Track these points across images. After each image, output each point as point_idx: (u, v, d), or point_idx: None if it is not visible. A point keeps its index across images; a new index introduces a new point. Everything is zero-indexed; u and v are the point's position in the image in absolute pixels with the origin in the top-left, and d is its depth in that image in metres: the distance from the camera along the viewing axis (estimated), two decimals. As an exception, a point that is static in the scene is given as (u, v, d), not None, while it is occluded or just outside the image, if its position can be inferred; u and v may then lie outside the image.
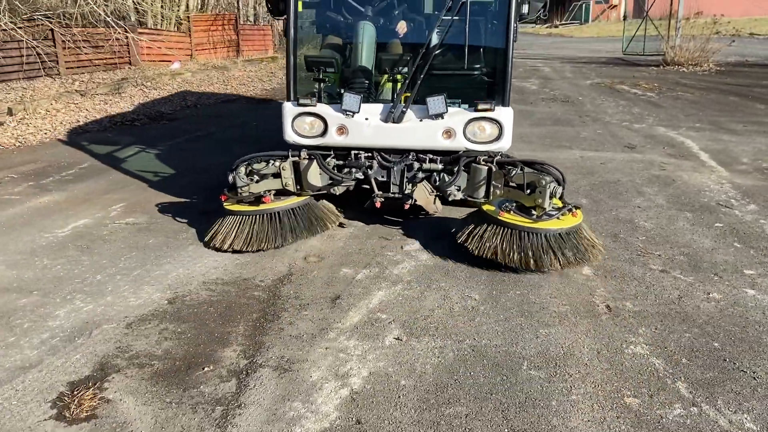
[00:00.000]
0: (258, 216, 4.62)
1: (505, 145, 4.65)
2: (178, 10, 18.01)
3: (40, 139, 8.79)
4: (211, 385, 2.98)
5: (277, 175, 4.77)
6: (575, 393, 2.90)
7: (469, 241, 4.35)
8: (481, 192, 4.70)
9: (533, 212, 4.25)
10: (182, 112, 11.19)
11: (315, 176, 4.81)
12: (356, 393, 2.91)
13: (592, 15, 50.04)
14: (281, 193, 4.78)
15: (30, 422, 2.71)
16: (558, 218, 4.21)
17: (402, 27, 5.13)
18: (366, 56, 4.95)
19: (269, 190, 4.72)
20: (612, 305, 3.76)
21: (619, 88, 13.82)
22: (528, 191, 4.33)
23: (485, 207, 4.49)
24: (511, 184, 4.53)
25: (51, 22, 12.35)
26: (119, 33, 13.64)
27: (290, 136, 4.79)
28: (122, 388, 2.96)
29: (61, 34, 12.61)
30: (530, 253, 4.10)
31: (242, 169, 4.65)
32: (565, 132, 9.10)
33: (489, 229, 4.29)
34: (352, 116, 4.62)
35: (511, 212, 4.26)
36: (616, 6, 48.49)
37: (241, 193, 4.65)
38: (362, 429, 2.66)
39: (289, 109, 4.75)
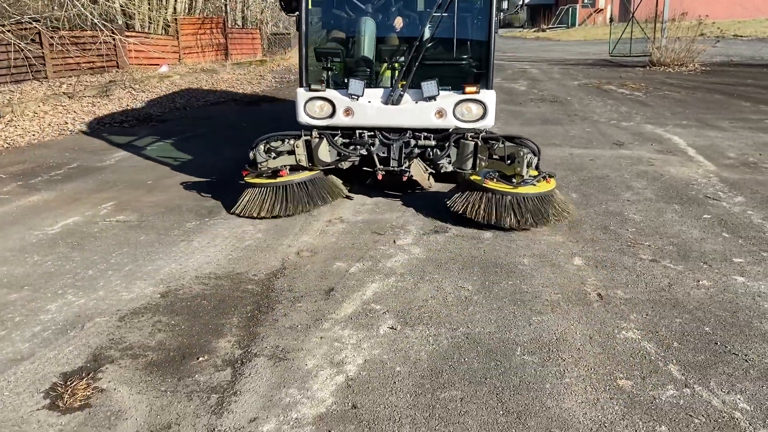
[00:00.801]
0: (275, 188, 5.22)
1: (489, 123, 5.31)
2: (166, 13, 17.97)
3: (28, 140, 8.73)
4: (206, 374, 2.98)
5: (291, 152, 5.42)
6: (568, 376, 2.92)
7: (459, 205, 4.95)
8: (469, 164, 5.39)
9: (513, 180, 4.87)
10: (171, 114, 11.15)
11: (325, 153, 5.47)
12: (352, 379, 2.92)
13: (579, 19, 50.46)
14: (295, 168, 5.41)
15: (23, 412, 2.69)
16: (534, 184, 4.84)
17: (399, 22, 5.74)
18: (368, 48, 5.56)
19: (285, 165, 5.33)
20: (603, 293, 3.79)
21: (606, 88, 13.93)
22: (508, 162, 5.03)
23: (473, 177, 5.06)
24: (494, 156, 5.25)
25: (38, 26, 12.28)
26: (106, 36, 13.58)
27: (303, 117, 5.41)
28: (116, 378, 2.94)
29: (49, 37, 12.54)
30: (512, 214, 4.75)
31: (261, 147, 5.34)
32: (554, 131, 9.17)
33: (476, 195, 4.89)
34: (357, 99, 5.26)
35: (495, 180, 4.87)
36: (602, 10, 48.93)
37: (260, 168, 5.29)
38: (358, 413, 2.67)
39: (302, 94, 5.38)
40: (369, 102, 5.28)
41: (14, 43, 11.53)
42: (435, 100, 5.21)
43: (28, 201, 5.86)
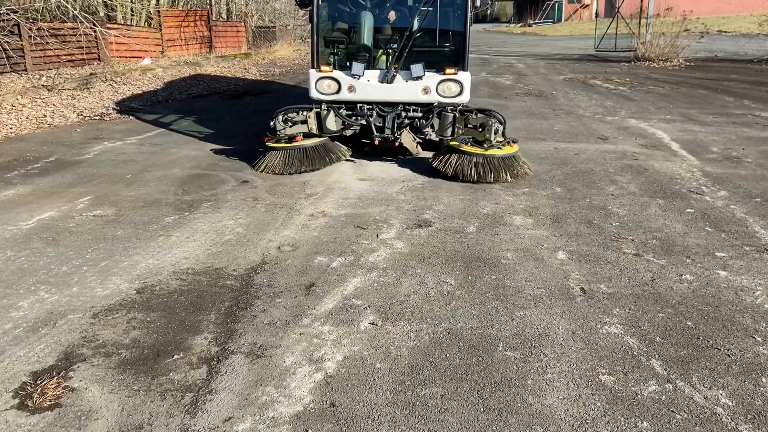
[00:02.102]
0: (292, 150, 6.36)
1: (464, 98, 6.41)
2: (149, 5, 17.72)
3: (5, 134, 8.54)
4: (180, 373, 2.90)
5: (304, 122, 6.54)
6: (551, 372, 2.88)
7: (440, 164, 6.11)
8: (449, 132, 6.50)
9: (484, 145, 5.99)
10: (153, 108, 10.99)
11: (332, 122, 6.61)
12: (330, 377, 2.86)
13: (565, 14, 50.61)
14: (308, 135, 6.50)
15: (-10, 413, 2.61)
16: (500, 148, 6.02)
17: (392, 15, 6.98)
18: (367, 37, 6.73)
19: (299, 132, 6.47)
20: (586, 288, 3.76)
21: (591, 83, 13.95)
22: (480, 130, 6.17)
23: (452, 143, 6.20)
24: (468, 125, 6.37)
25: (17, 17, 12.04)
26: (87, 28, 13.35)
27: (314, 93, 6.55)
28: (88, 377, 2.86)
29: (28, 28, 12.31)
30: (483, 172, 5.91)
31: (280, 117, 6.48)
32: (539, 125, 9.15)
33: (454, 156, 6.04)
34: (358, 79, 6.39)
35: (469, 144, 6.03)
36: (588, 5, 49.08)
37: (279, 134, 6.48)
38: (336, 412, 2.61)
39: (314, 74, 6.54)
40: (368, 81, 6.41)
41: (-9, 35, 11.30)
42: (422, 79, 6.31)
43: (3, 195, 5.72)
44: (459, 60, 6.48)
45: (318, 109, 6.56)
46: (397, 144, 6.51)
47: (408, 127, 6.58)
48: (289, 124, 6.51)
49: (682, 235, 4.61)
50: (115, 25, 15.81)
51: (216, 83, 14.25)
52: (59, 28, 13.52)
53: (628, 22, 21.58)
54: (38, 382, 2.81)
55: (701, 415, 2.56)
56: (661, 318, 3.38)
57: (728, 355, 3.02)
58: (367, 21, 6.73)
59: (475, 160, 5.93)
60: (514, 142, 6.15)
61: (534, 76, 15.76)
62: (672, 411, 2.59)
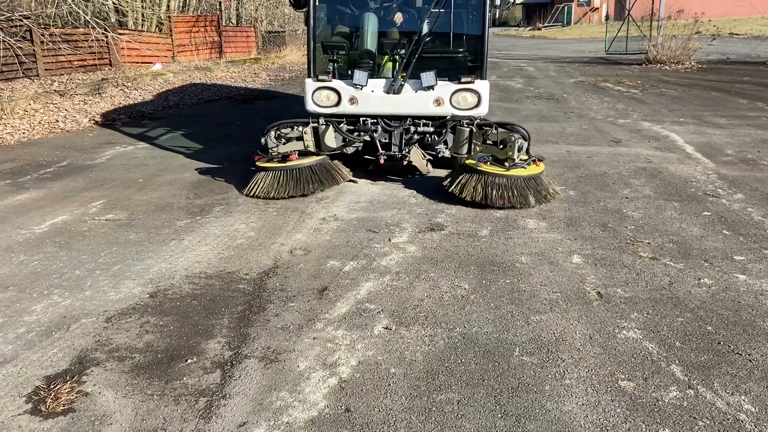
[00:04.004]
0: (285, 171, 5.55)
1: (483, 111, 5.65)
2: (159, 11, 17.83)
3: (18, 138, 8.60)
4: (194, 377, 2.88)
5: (300, 138, 5.78)
6: (569, 377, 2.84)
7: (456, 187, 5.32)
8: (464, 149, 5.72)
9: (505, 163, 5.19)
10: (164, 112, 11.03)
11: (331, 139, 5.83)
12: (345, 382, 2.83)
13: (574, 17, 50.45)
14: (303, 153, 5.72)
15: (4, 417, 2.59)
16: (524, 167, 5.22)
17: (399, 17, 6.17)
18: (371, 41, 5.98)
19: (294, 150, 5.66)
20: (603, 292, 3.70)
21: (603, 86, 13.87)
22: (501, 147, 5.36)
23: (468, 161, 5.42)
24: (487, 141, 5.53)
25: (29, 23, 12.13)
26: (99, 33, 13.43)
27: (311, 106, 5.75)
28: (101, 382, 2.84)
29: (40, 34, 12.40)
30: (504, 194, 5.13)
31: (272, 133, 5.70)
32: (550, 128, 9.09)
33: (472, 177, 5.26)
34: (361, 89, 5.62)
35: (488, 164, 5.25)
36: (597, 9, 48.94)
37: (271, 153, 5.65)
38: (352, 417, 2.57)
39: (310, 84, 5.71)
40: (372, 91, 5.64)
41: (4, 41, 11.38)
42: (433, 89, 5.57)
43: (16, 199, 5.74)
44: (476, 67, 5.77)
45: (315, 124, 5.81)
46: (405, 163, 5.81)
47: (417, 144, 5.89)
48: (283, 140, 5.76)
49: (699, 238, 4.55)
50: (127, 31, 15.91)
51: (226, 88, 14.29)
52: (71, 34, 13.62)
53: (639, 24, 21.47)
54: (51, 386, 2.80)
55: (724, 422, 2.51)
56: (680, 323, 3.32)
57: (750, 360, 2.96)
58: (371, 23, 6.03)
59: (495, 181, 5.15)
60: (539, 161, 5.35)
61: (544, 79, 15.69)
62: (694, 417, 2.54)
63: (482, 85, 5.63)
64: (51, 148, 8.09)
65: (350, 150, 6.01)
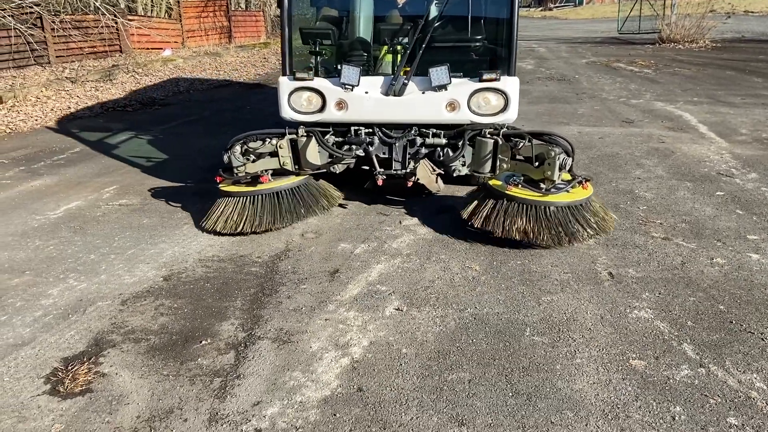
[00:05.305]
0: (255, 197, 4.39)
1: (511, 116, 4.41)
2: (168, -4, 17.82)
3: (30, 125, 8.67)
4: (209, 358, 2.92)
5: (274, 154, 4.52)
6: (579, 357, 2.85)
7: (476, 218, 4.12)
8: (487, 166, 4.41)
9: (542, 185, 4.00)
10: (174, 98, 11.06)
11: (314, 154, 4.57)
12: (357, 362, 2.86)
13: (586, -3, 49.78)
14: (279, 172, 4.56)
15: (23, 398, 2.65)
16: (568, 191, 3.98)
17: None
18: (364, 27, 4.84)
19: (266, 170, 4.50)
20: (614, 272, 3.70)
21: (615, 66, 13.72)
22: (536, 164, 4.07)
23: (491, 182, 4.22)
24: (518, 157, 4.26)
25: (40, 9, 12.17)
26: (109, 19, 13.45)
27: (287, 112, 4.56)
28: (118, 363, 2.89)
29: (51, 21, 12.43)
30: (540, 228, 3.88)
31: (238, 148, 4.42)
32: (562, 109, 9.02)
33: (496, 204, 4.05)
34: (351, 90, 4.42)
35: (519, 186, 4.03)
36: (610, -13, 48.23)
37: (237, 174, 4.43)
38: (364, 396, 2.61)
39: (285, 84, 4.52)
40: (366, 93, 4.44)
41: (15, 28, 11.43)
42: (446, 89, 4.36)
43: (31, 186, 5.81)
44: (502, 59, 4.53)
45: (293, 136, 4.51)
46: (410, 184, 4.61)
47: (426, 158, 4.63)
48: (252, 157, 4.45)
49: (712, 218, 4.52)
50: (136, 17, 15.91)
51: (236, 73, 14.29)
52: (81, 20, 13.64)
53: (652, 3, 21.16)
54: (69, 367, 2.85)
55: (735, 399, 2.51)
56: (692, 302, 3.32)
57: (762, 339, 2.95)
58: (365, 4, 4.85)
59: (531, 210, 3.94)
60: (586, 181, 4.10)
61: (556, 60, 15.54)
62: (705, 395, 2.54)
63: (510, 83, 4.36)
64: (64, 134, 8.15)
65: (339, 168, 4.73)
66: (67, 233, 4.57)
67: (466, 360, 2.85)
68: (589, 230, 3.97)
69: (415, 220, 4.67)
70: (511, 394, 2.60)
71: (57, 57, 12.96)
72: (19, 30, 11.52)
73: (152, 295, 3.58)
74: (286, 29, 4.60)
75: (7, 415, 2.54)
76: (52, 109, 9.54)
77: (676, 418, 2.42)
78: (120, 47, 14.82)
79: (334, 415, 2.50)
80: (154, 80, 12.54)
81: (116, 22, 13.78)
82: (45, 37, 12.54)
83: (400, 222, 4.62)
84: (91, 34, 13.73)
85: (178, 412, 2.54)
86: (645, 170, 5.75)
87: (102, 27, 13.63)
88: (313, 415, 2.49)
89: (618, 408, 2.49)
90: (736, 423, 2.38)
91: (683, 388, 2.60)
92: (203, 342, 3.06)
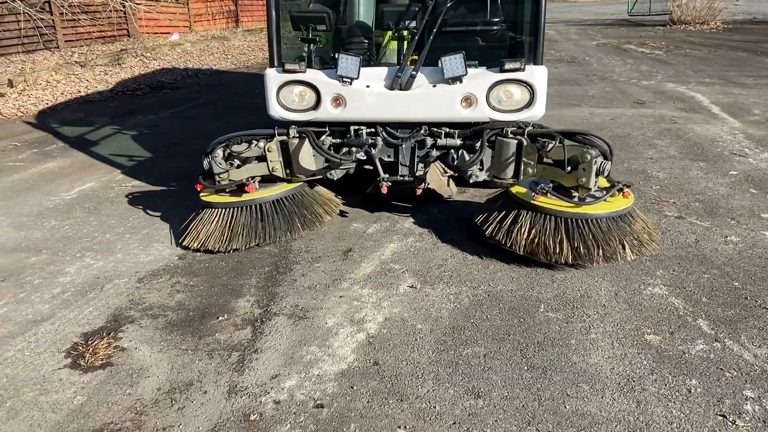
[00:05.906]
0: (241, 209, 3.84)
1: (537, 113, 3.85)
2: (176, -20, 17.71)
3: (41, 109, 8.69)
4: (226, 333, 2.95)
5: (262, 158, 3.93)
6: (594, 332, 2.86)
7: (498, 230, 3.62)
8: (510, 171, 3.80)
9: (574, 194, 3.49)
10: (183, 82, 11.05)
11: (307, 158, 3.97)
12: (372, 337, 2.88)
13: (596, -21, 49.13)
14: (268, 179, 3.98)
15: (44, 371, 2.69)
16: (606, 200, 3.46)
17: None
18: (364, 10, 4.34)
19: (253, 177, 3.92)
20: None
21: (625, 48, 13.59)
22: (569, 169, 3.51)
23: (514, 189, 3.71)
24: (546, 160, 3.68)
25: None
26: (116, 3, 13.41)
27: (276, 110, 4.03)
28: (137, 338, 2.93)
29: (59, 5, 12.41)
30: (573, 244, 3.36)
31: (219, 152, 3.82)
32: (572, 91, 8.97)
33: (521, 216, 3.54)
34: (350, 83, 3.88)
35: (548, 195, 3.50)
36: (619, -31, 47.58)
37: (219, 182, 3.85)
38: (381, 370, 2.63)
39: (273, 77, 3.96)
40: (367, 87, 3.88)
41: (25, 12, 11.43)
42: (461, 81, 3.79)
43: (44, 168, 5.84)
44: (527, 45, 3.99)
45: (284, 136, 3.92)
46: (419, 191, 4.00)
47: (437, 161, 4.09)
48: (236, 162, 3.88)
49: (725, 197, 4.50)
50: (144, 1, 15.85)
51: (244, 57, 14.26)
52: (89, 4, 13.60)
53: (663, -16, 20.90)
54: (89, 342, 2.89)
55: (751, 373, 2.52)
56: (707, 279, 3.32)
57: (777, 315, 2.95)
58: None
59: (561, 224, 3.41)
60: (627, 187, 3.53)
61: (565, 42, 15.40)
62: (721, 369, 2.55)
63: (537, 74, 3.77)
64: (75, 117, 8.18)
65: (337, 174, 4.14)
66: (82, 213, 4.61)
67: (481, 335, 2.87)
68: (632, 245, 3.38)
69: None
70: (526, 367, 2.62)
71: (66, 41, 12.96)
72: (28, 14, 11.51)
73: (168, 273, 3.62)
74: (273, 12, 3.96)
75: (29, 387, 2.59)
76: (62, 93, 9.56)
77: (692, 390, 2.43)
78: (128, 31, 14.79)
79: (352, 387, 2.53)
80: (162, 64, 12.53)
81: (124, 6, 13.73)
82: (53, 21, 12.52)
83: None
84: (100, 18, 13.70)
85: (198, 384, 2.57)
86: (657, 150, 5.72)
87: (110, 11, 13.59)
88: (330, 388, 2.52)
89: (634, 381, 2.50)
90: (753, 396, 2.39)
91: (699, 362, 2.61)
92: (220, 318, 3.09)
